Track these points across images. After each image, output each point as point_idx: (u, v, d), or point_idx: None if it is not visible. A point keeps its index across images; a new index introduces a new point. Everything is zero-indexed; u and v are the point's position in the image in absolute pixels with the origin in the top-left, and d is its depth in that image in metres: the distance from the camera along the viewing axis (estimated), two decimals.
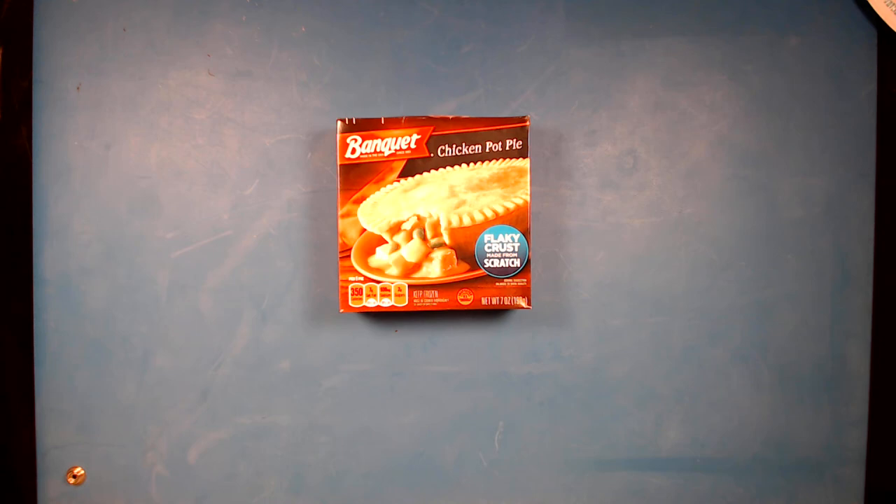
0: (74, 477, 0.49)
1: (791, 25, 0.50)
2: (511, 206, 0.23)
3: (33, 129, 0.48)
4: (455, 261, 0.23)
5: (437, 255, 0.22)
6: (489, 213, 0.23)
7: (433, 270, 0.22)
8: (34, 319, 0.48)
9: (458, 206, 0.22)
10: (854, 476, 0.52)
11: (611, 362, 0.50)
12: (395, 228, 0.23)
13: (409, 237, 0.22)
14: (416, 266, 0.22)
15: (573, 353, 0.50)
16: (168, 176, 0.48)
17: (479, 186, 0.22)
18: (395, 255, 0.23)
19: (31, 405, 0.49)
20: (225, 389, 0.49)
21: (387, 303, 0.23)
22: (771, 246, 0.50)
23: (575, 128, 0.48)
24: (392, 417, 0.50)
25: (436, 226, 0.22)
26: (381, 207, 0.23)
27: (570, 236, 0.50)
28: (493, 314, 0.49)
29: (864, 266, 0.51)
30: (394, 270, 0.23)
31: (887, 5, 0.48)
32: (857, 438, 0.51)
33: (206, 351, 0.49)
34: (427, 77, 0.48)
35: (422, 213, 0.22)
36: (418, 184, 0.23)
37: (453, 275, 0.22)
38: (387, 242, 0.23)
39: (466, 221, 0.23)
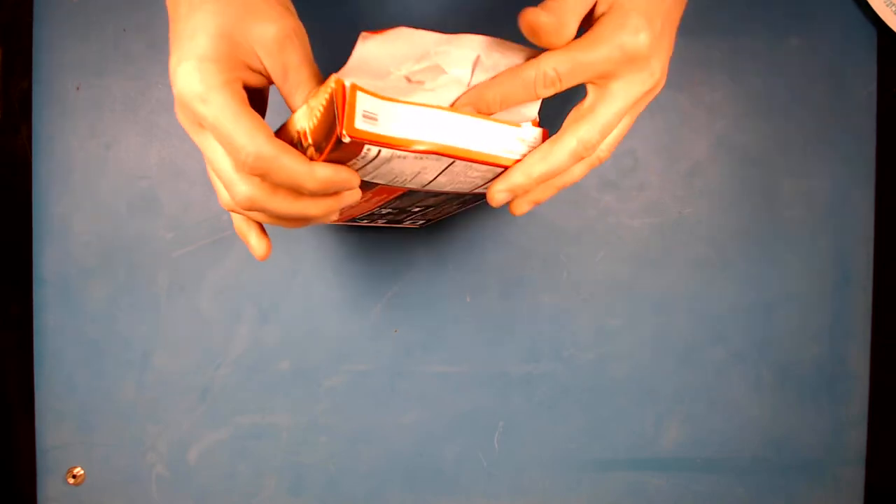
0: (74, 477, 0.49)
1: (791, 26, 0.50)
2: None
3: (33, 129, 0.48)
4: None
5: None
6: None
7: None
8: (34, 319, 0.48)
9: None
10: (854, 476, 0.52)
11: (611, 362, 0.50)
12: None
13: None
14: None
15: (573, 353, 0.50)
16: (168, 176, 0.48)
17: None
18: None
19: (31, 405, 0.49)
20: (225, 389, 0.49)
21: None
22: (771, 246, 0.50)
23: None
24: (392, 417, 0.50)
25: None
26: None
27: (570, 236, 0.50)
28: (495, 315, 0.50)
29: (864, 266, 0.51)
30: None
31: (887, 5, 0.48)
32: (857, 438, 0.51)
33: (206, 351, 0.49)
34: None
35: None
36: None
37: None
38: None
39: None
